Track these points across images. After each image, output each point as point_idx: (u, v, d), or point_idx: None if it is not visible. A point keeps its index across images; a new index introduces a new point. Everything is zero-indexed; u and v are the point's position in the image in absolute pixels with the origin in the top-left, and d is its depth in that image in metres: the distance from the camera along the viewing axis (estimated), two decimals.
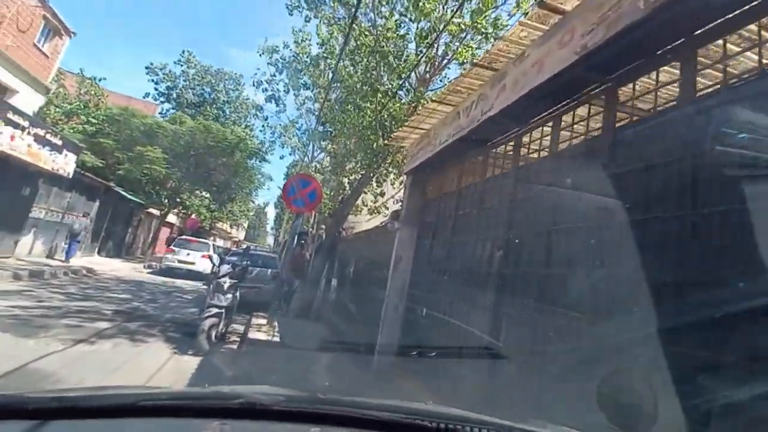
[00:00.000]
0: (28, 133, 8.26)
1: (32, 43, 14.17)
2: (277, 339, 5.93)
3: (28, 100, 13.59)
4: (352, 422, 1.02)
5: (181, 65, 27.99)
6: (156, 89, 28.27)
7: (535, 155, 3.13)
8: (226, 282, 5.53)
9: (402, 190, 10.84)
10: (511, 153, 3.36)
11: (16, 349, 3.96)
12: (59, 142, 9.61)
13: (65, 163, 9.99)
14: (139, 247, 21.39)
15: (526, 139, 3.25)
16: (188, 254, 13.27)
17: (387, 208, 10.92)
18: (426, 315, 4.27)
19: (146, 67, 26.48)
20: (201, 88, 29.38)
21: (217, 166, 20.47)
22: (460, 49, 6.30)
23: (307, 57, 8.87)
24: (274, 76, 11.43)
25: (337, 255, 9.26)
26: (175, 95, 28.94)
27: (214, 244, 20.24)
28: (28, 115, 8.60)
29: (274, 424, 1.01)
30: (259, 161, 22.61)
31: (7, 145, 7.70)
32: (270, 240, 57.26)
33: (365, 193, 9.70)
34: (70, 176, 10.56)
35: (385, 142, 5.89)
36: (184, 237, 16.56)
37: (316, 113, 10.55)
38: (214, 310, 5.26)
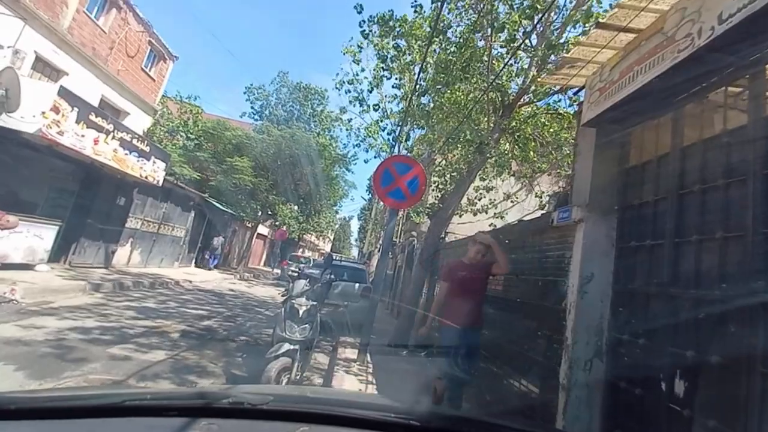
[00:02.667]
0: (113, 137, 7.94)
1: (140, 68, 15.11)
2: (373, 390, 4.09)
3: (138, 121, 14.44)
4: (340, 421, 0.99)
5: (276, 85, 29.39)
6: (252, 108, 30.07)
7: None
8: (302, 306, 3.89)
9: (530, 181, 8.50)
10: None
11: None
12: (147, 149, 9.36)
13: (154, 171, 9.75)
14: (234, 258, 22.01)
15: None
16: (296, 266, 17.04)
17: (497, 207, 8.64)
18: (683, 399, 1.99)
19: (246, 87, 28.25)
20: (291, 105, 30.43)
21: (303, 176, 20.25)
22: None
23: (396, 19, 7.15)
24: (357, 75, 10.28)
25: (440, 267, 7.26)
26: (267, 113, 30.45)
27: (312, 258, 23.14)
28: (112, 118, 8.35)
29: (262, 423, 0.98)
30: (344, 168, 21.95)
31: (91, 150, 7.35)
32: (354, 252, 57.85)
33: (482, 178, 7.62)
34: (160, 184, 10.38)
35: (549, 74, 3.72)
36: (294, 254, 24.30)
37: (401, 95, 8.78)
38: (286, 347, 3.63)
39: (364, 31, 7.09)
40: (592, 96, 2.92)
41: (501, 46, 6.27)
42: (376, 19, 6.84)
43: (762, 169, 1.82)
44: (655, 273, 2.36)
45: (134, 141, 8.80)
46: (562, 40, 5.79)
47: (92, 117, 7.32)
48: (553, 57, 5.58)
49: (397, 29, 6.77)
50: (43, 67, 10.90)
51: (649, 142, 2.64)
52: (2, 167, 6.55)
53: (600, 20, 2.68)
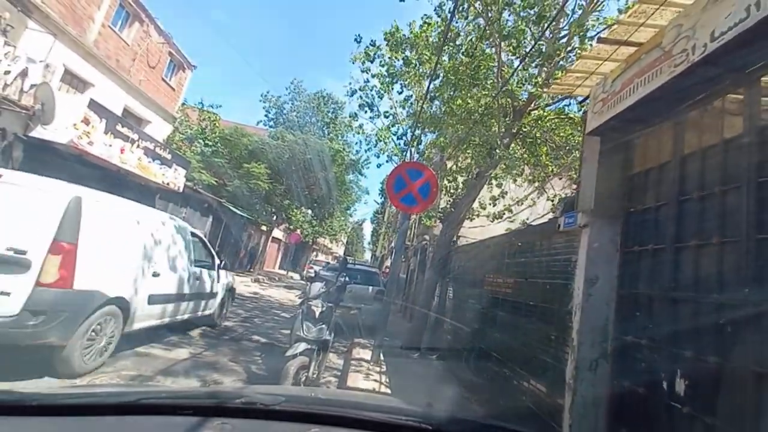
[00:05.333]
0: (138, 146, 8.34)
1: (161, 78, 15.68)
2: (386, 390, 4.24)
3: (158, 129, 14.97)
4: (351, 423, 1.01)
5: (290, 93, 30.01)
6: (267, 116, 30.71)
7: None
8: (319, 307, 4.07)
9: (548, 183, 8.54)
10: None
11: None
12: (168, 156, 9.75)
13: (175, 177, 10.15)
14: (249, 261, 22.48)
15: None
16: (316, 269, 18.94)
17: (511, 211, 8.69)
18: (683, 397, 2.09)
19: (261, 95, 28.94)
20: (305, 113, 30.92)
21: (317, 180, 20.61)
22: None
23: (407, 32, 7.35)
24: (367, 81, 10.52)
25: (452, 270, 7.37)
26: (281, 120, 31.03)
27: (327, 262, 24.45)
28: (137, 128, 8.75)
29: (274, 424, 0.99)
30: (356, 173, 22.21)
31: (118, 158, 7.74)
32: (367, 255, 57.97)
33: (492, 184, 7.71)
34: (181, 190, 10.77)
35: (554, 83, 3.84)
36: (315, 259, 28.14)
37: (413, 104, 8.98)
38: (303, 346, 3.80)
39: (370, 55, 7.33)
40: (595, 106, 3.04)
41: (509, 54, 6.38)
42: (384, 36, 7.07)
43: (756, 177, 1.92)
44: (658, 277, 2.46)
45: (157, 149, 9.19)
46: (569, 48, 5.90)
47: (119, 127, 7.72)
48: (561, 63, 5.67)
49: (405, 43, 6.97)
50: (71, 79, 11.44)
51: (651, 150, 2.74)
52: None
53: (601, 36, 2.80)
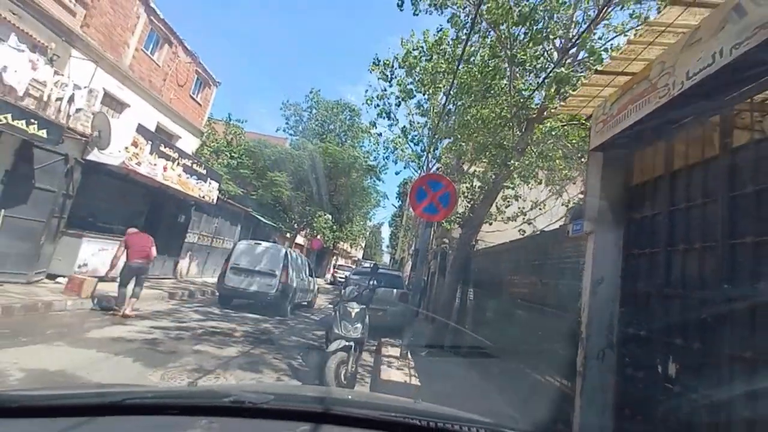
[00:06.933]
0: (178, 164, 9.09)
1: (188, 95, 16.64)
2: (416, 382, 4.69)
3: (187, 143, 15.90)
4: (341, 420, 0.99)
5: (308, 101, 30.92)
6: (287, 123, 31.71)
7: None
8: (354, 308, 4.56)
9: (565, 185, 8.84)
10: None
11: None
12: (203, 171, 10.51)
13: (209, 191, 10.90)
14: None
15: None
16: (347, 273, 20.84)
17: (524, 214, 9.03)
18: (674, 378, 2.46)
19: (282, 103, 30.00)
20: (324, 120, 31.73)
21: (337, 187, 21.27)
22: None
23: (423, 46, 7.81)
24: (385, 90, 11.02)
25: (472, 272, 7.75)
26: (301, 128, 31.93)
27: (352, 267, 25.98)
28: (177, 147, 9.50)
29: (263, 422, 0.98)
30: (374, 179, 22.74)
31: (161, 176, 8.48)
32: (386, 258, 58.37)
33: (507, 189, 8.08)
34: (215, 202, 11.52)
35: (560, 105, 4.25)
36: (340, 264, 33.65)
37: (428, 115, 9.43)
38: (343, 343, 4.29)
39: (386, 75, 7.82)
40: (597, 126, 3.43)
41: (518, 64, 6.74)
42: (399, 64, 7.57)
43: (728, 192, 2.30)
44: (654, 277, 2.84)
45: (194, 166, 9.96)
46: (580, 56, 6.25)
47: (162, 148, 8.47)
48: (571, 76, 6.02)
49: (420, 59, 7.42)
50: (110, 101, 12.41)
51: (647, 166, 3.12)
52: (94, 194, 7.81)
53: (598, 68, 3.20)
